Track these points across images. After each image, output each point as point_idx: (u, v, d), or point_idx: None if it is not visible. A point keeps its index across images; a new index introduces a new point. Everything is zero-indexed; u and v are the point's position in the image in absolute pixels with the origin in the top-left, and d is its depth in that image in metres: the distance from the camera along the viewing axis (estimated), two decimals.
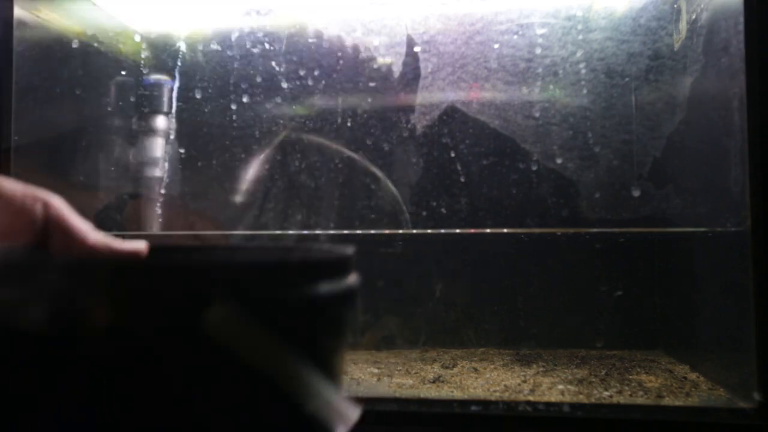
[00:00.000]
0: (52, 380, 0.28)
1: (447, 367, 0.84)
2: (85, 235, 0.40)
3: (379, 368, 0.83)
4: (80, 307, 0.28)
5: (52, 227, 0.40)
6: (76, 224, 0.40)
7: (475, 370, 0.82)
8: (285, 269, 0.31)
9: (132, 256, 0.42)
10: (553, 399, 0.69)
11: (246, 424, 0.29)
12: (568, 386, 0.73)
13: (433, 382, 0.77)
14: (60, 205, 0.40)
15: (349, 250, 0.36)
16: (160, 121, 0.98)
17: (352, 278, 0.35)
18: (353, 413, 0.31)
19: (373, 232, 0.99)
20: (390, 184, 0.99)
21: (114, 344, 0.28)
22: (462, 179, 0.96)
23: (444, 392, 0.73)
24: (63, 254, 0.40)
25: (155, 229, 0.96)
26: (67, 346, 0.28)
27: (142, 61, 1.01)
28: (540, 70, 0.94)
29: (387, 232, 0.99)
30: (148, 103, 0.98)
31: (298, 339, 0.31)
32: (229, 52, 0.99)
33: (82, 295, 0.28)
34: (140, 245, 0.42)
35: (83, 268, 0.29)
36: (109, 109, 1.00)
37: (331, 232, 1.01)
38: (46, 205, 0.40)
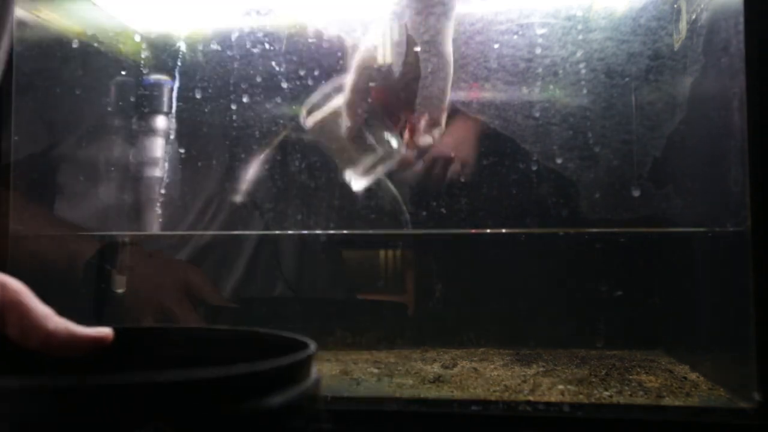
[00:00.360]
0: None
1: (447, 367, 0.84)
2: (45, 320, 0.37)
3: (379, 368, 0.83)
4: None
5: (8, 311, 0.37)
6: (35, 308, 0.37)
7: (475, 370, 0.82)
8: (230, 384, 0.29)
9: (95, 343, 0.38)
10: (553, 399, 0.69)
11: None
12: (568, 386, 0.73)
13: (433, 382, 0.77)
14: (19, 287, 0.38)
15: (310, 348, 0.34)
16: (160, 121, 0.97)
17: (311, 380, 0.33)
18: None
19: (372, 232, 0.99)
20: (390, 184, 0.99)
21: None
22: (462, 179, 0.96)
23: (444, 392, 0.73)
24: (19, 339, 0.37)
25: (155, 229, 0.96)
26: None
27: (142, 61, 1.00)
28: (540, 70, 0.94)
29: (387, 232, 0.99)
30: (148, 103, 0.97)
31: None
32: (229, 52, 0.99)
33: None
34: (105, 331, 0.39)
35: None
36: (109, 109, 1.00)
37: (331, 231, 1.01)
38: (3, 288, 0.37)
